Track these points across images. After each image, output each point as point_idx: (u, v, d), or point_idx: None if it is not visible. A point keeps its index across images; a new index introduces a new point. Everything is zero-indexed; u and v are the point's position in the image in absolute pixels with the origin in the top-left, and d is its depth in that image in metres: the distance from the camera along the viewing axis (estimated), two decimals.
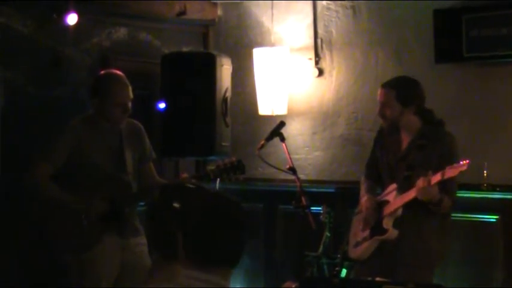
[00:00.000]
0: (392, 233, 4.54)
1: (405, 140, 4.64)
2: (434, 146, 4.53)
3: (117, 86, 4.62)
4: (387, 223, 4.57)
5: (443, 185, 4.34)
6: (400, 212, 4.53)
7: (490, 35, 5.47)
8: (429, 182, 4.29)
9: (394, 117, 4.61)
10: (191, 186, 2.53)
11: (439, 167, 4.34)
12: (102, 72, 4.77)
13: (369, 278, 4.01)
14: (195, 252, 2.39)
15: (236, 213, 2.46)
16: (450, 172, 4.26)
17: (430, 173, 4.31)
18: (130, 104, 4.64)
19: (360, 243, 4.73)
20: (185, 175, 4.70)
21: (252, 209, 6.56)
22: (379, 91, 4.67)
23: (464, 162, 4.23)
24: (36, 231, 4.81)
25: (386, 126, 4.70)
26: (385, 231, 4.56)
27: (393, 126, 4.66)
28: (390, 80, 4.73)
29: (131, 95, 4.65)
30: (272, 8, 6.49)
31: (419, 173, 4.41)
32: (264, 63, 6.33)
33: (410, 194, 4.43)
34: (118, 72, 4.71)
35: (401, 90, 4.59)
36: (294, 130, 6.44)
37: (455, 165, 4.26)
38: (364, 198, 4.77)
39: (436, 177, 4.29)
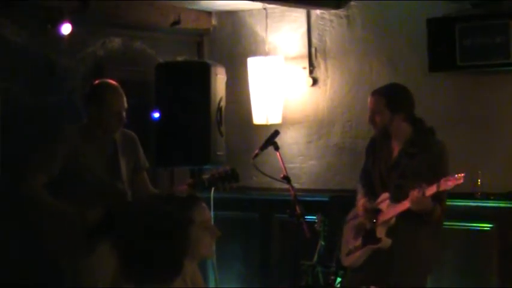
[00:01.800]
0: (386, 242, 4.54)
1: (396, 148, 4.65)
2: (425, 154, 4.53)
3: (113, 96, 4.63)
4: (380, 232, 4.57)
5: (435, 195, 4.35)
6: (393, 221, 4.53)
7: (483, 43, 5.49)
8: (424, 193, 4.30)
9: (384, 124, 4.62)
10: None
11: (429, 176, 4.35)
12: (97, 81, 4.78)
13: (363, 287, 4.02)
14: (130, 267, 2.42)
15: (165, 225, 2.45)
16: (445, 185, 4.26)
17: (424, 184, 4.31)
18: (124, 114, 4.65)
19: (352, 251, 4.73)
20: (185, 186, 4.70)
21: (247, 218, 6.57)
22: (369, 99, 4.70)
23: (460, 175, 4.24)
24: (33, 238, 4.82)
25: (377, 133, 4.71)
26: (378, 240, 4.57)
27: (384, 134, 4.67)
28: (380, 87, 4.75)
29: (126, 104, 4.66)
30: (266, 17, 6.51)
31: (411, 181, 4.42)
32: (258, 72, 6.34)
33: (405, 205, 4.43)
34: (113, 81, 4.72)
35: (391, 97, 4.61)
36: (288, 139, 6.45)
37: (450, 178, 4.26)
38: (361, 201, 4.77)
39: (432, 189, 4.29)
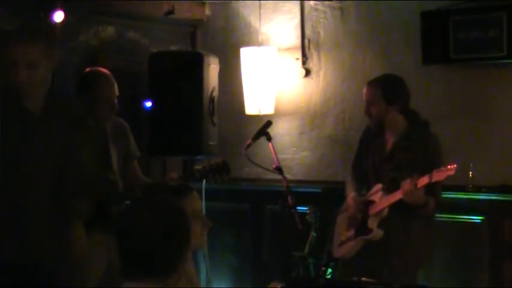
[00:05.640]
0: (377, 233, 4.56)
1: (390, 140, 4.66)
2: (419, 147, 4.55)
3: (105, 83, 4.63)
4: (372, 223, 4.59)
5: (429, 187, 4.36)
6: (385, 212, 4.55)
7: (477, 37, 5.49)
8: (416, 185, 4.31)
9: (380, 115, 4.63)
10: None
11: (423, 169, 4.36)
12: (88, 69, 4.77)
13: (355, 278, 4.03)
14: (128, 262, 2.40)
15: (170, 221, 2.42)
16: (437, 176, 4.28)
17: (416, 176, 4.32)
18: (116, 101, 4.64)
19: (345, 242, 4.75)
20: (173, 174, 4.70)
21: (239, 209, 6.57)
22: (364, 89, 4.71)
23: (452, 166, 4.26)
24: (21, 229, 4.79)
25: (373, 124, 4.72)
26: (370, 231, 4.58)
27: (379, 125, 4.68)
28: (375, 78, 4.76)
29: (117, 92, 4.66)
30: (260, 8, 6.50)
31: (405, 174, 4.43)
32: (251, 63, 6.33)
33: (396, 196, 4.44)
34: (104, 69, 4.72)
35: (387, 88, 4.62)
36: (281, 130, 6.44)
37: (442, 168, 4.28)
38: (350, 196, 4.78)
39: (423, 180, 4.31)
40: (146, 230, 2.36)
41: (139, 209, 2.42)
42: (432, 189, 4.40)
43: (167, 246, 2.37)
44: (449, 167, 4.26)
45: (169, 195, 2.91)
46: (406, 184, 4.35)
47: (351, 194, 4.79)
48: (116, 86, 4.65)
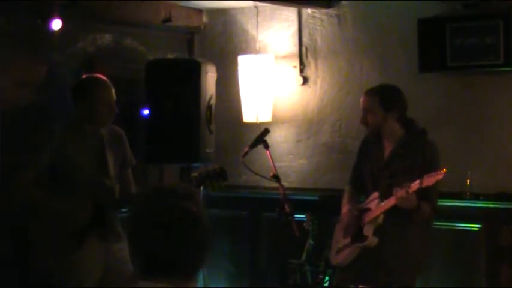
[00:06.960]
0: (372, 241, 4.56)
1: (388, 148, 4.67)
2: (417, 155, 4.56)
3: (102, 87, 4.65)
4: (367, 230, 4.59)
5: (422, 192, 4.37)
6: (380, 219, 4.55)
7: (473, 44, 5.50)
8: (408, 190, 4.33)
9: (377, 123, 4.63)
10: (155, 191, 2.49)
11: (420, 176, 4.37)
12: (84, 76, 4.79)
13: (352, 286, 4.03)
14: (143, 262, 2.37)
15: (183, 220, 2.40)
16: (428, 180, 4.30)
17: (408, 182, 4.34)
18: (115, 105, 4.65)
19: (341, 249, 4.75)
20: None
21: (236, 216, 6.57)
22: (361, 98, 4.71)
23: (441, 170, 4.27)
24: (18, 234, 4.79)
25: (369, 133, 4.72)
26: (365, 238, 4.58)
27: (376, 134, 4.68)
28: (373, 87, 4.78)
29: (114, 96, 4.68)
30: (257, 15, 6.51)
31: (402, 181, 4.44)
32: (248, 70, 6.34)
33: (390, 202, 4.46)
34: (100, 75, 4.74)
35: (384, 96, 4.63)
36: (278, 137, 6.45)
37: (432, 173, 4.30)
38: (344, 209, 4.79)
39: (415, 186, 4.33)
40: (171, 234, 2.34)
41: (164, 212, 2.39)
42: (426, 194, 4.41)
43: (192, 250, 2.35)
44: (438, 172, 4.28)
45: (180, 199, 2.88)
46: (399, 190, 4.37)
47: (345, 208, 4.80)
48: (113, 90, 4.67)
